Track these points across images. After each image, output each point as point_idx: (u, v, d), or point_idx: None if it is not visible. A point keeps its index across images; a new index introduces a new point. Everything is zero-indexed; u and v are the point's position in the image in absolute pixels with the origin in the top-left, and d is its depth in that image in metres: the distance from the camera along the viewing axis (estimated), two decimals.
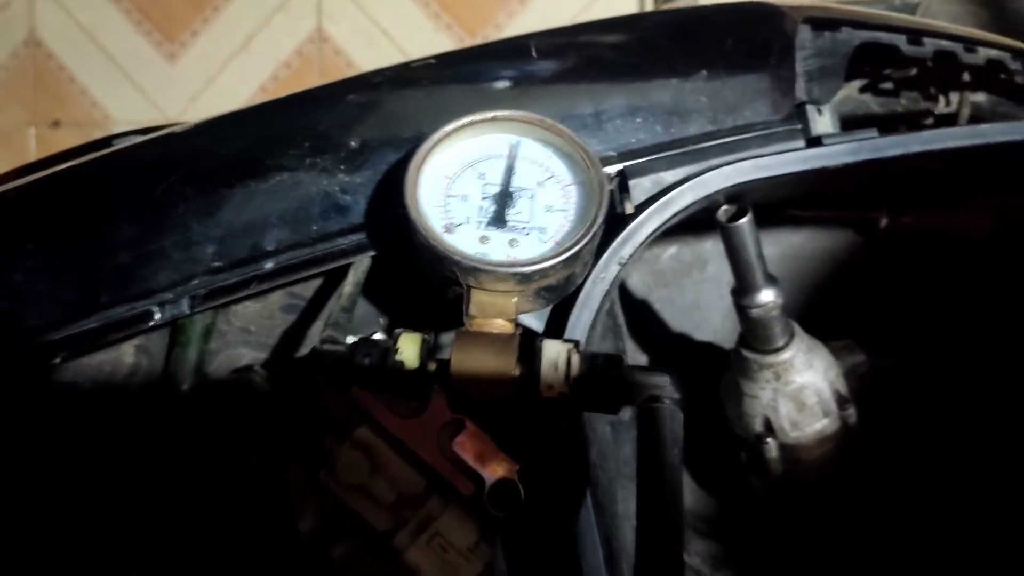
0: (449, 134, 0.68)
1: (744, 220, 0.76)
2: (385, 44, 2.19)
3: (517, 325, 0.66)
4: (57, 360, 0.75)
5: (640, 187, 0.74)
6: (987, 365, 0.94)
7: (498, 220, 0.67)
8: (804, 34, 0.80)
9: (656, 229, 0.71)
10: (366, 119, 0.76)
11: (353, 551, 0.65)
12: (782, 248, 1.01)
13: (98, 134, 1.14)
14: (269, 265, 0.74)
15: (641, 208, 0.72)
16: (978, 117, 0.96)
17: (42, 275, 0.73)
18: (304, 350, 0.84)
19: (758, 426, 0.86)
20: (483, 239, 0.66)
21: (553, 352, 0.62)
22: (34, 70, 2.28)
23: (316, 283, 0.84)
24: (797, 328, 0.85)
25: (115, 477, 0.78)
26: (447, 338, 0.79)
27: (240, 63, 2.23)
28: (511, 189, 0.68)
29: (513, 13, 2.19)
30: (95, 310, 0.73)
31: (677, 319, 1.02)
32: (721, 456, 0.93)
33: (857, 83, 0.96)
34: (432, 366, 0.63)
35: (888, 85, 0.96)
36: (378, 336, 0.66)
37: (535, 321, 0.73)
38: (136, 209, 0.74)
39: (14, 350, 0.73)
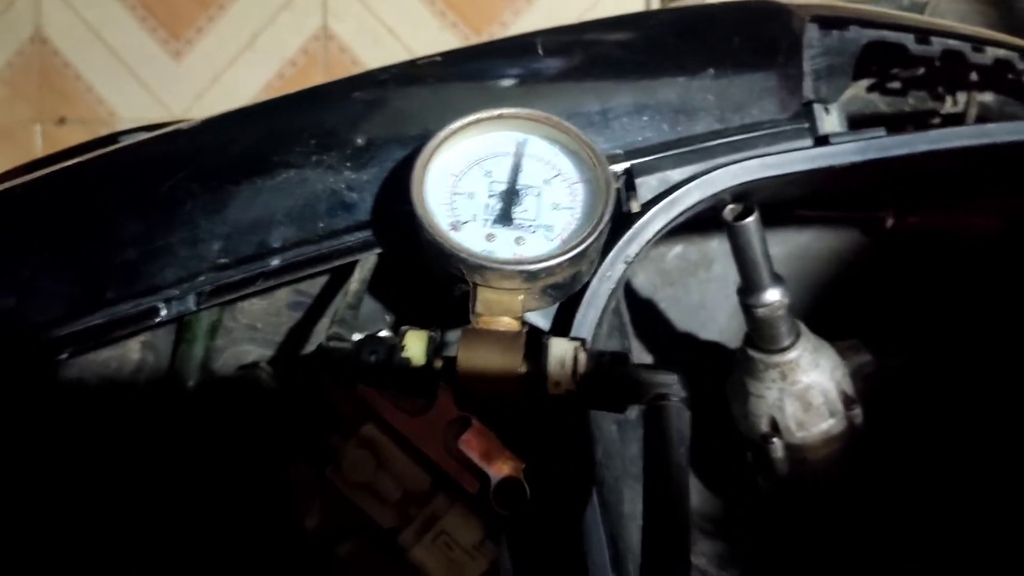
0: (456, 131, 0.68)
1: (750, 219, 0.76)
2: (391, 42, 2.19)
3: (523, 323, 0.65)
4: (63, 356, 0.75)
5: (647, 185, 0.74)
6: (993, 365, 0.94)
7: (504, 218, 0.67)
8: (812, 32, 0.80)
9: (663, 227, 0.70)
10: (372, 116, 0.76)
11: (358, 548, 0.65)
12: (788, 247, 1.01)
13: (103, 131, 1.14)
14: (275, 262, 0.74)
15: (648, 206, 0.71)
16: (985, 117, 0.96)
17: (48, 271, 0.73)
18: (310, 347, 0.84)
19: (764, 426, 0.86)
20: (489, 237, 0.66)
21: (560, 350, 0.62)
22: (40, 67, 2.28)
23: (322, 280, 0.84)
24: (803, 328, 0.85)
25: (119, 474, 0.78)
26: (453, 336, 0.79)
27: (246, 61, 2.23)
28: (517, 187, 0.68)
29: (519, 11, 2.18)
30: (101, 306, 0.73)
31: (683, 318, 1.02)
32: (727, 456, 0.93)
33: (864, 82, 0.96)
34: (438, 363, 0.63)
35: (895, 84, 0.96)
36: (384, 333, 0.66)
37: (541, 319, 0.73)
38: (142, 206, 0.74)
39: (20, 346, 0.73)
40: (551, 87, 0.78)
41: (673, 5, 1.57)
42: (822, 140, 0.77)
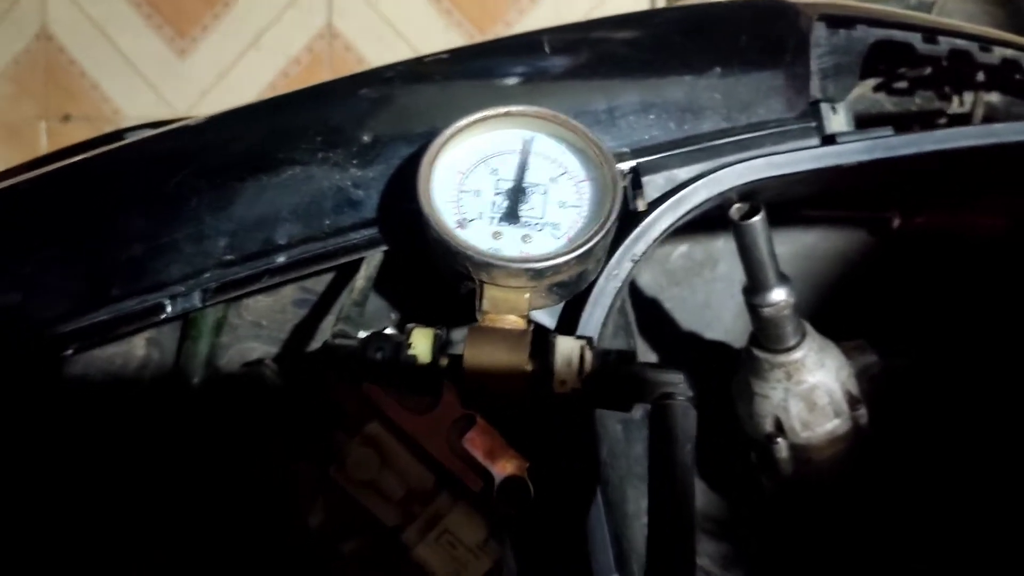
0: (462, 129, 0.68)
1: (757, 218, 0.76)
2: (396, 41, 2.19)
3: (529, 321, 0.65)
4: (68, 352, 0.75)
5: (653, 184, 0.74)
6: (999, 366, 0.94)
7: (511, 216, 0.67)
8: (819, 31, 0.80)
9: (669, 226, 0.70)
10: (379, 114, 0.76)
11: (362, 547, 0.65)
12: (794, 247, 1.01)
13: (108, 129, 1.14)
14: (281, 259, 0.74)
15: (654, 205, 0.71)
16: (992, 117, 0.95)
17: (54, 267, 0.73)
18: (315, 344, 0.84)
19: (769, 426, 0.86)
20: (496, 235, 0.66)
21: (566, 348, 0.61)
22: (45, 64, 2.28)
23: (328, 277, 0.84)
24: (809, 328, 0.85)
25: (123, 471, 0.78)
26: (458, 334, 0.79)
27: (250, 59, 2.23)
28: (524, 185, 0.68)
29: (524, 10, 2.18)
30: (106, 303, 0.73)
31: (688, 318, 1.02)
32: (731, 456, 0.93)
33: (871, 82, 0.96)
34: (444, 361, 0.63)
35: (902, 84, 0.95)
36: (389, 331, 0.65)
37: (547, 318, 0.73)
38: (148, 202, 0.74)
39: (25, 342, 0.73)
40: (558, 85, 0.77)
41: (679, 3, 1.56)
42: (829, 139, 0.77)
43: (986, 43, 0.83)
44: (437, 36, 2.17)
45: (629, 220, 0.71)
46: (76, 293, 0.73)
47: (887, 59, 0.85)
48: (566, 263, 0.64)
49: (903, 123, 0.92)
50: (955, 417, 0.94)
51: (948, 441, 0.94)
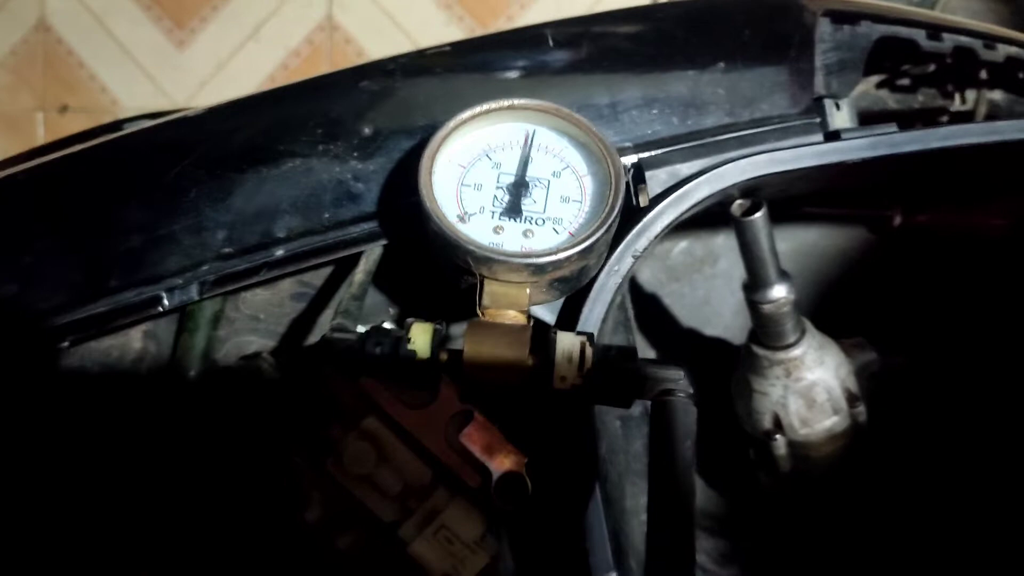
0: (464, 122, 0.67)
1: (758, 215, 0.76)
2: (396, 34, 2.18)
3: (529, 317, 0.65)
4: (65, 344, 0.74)
5: (656, 179, 0.74)
6: (997, 365, 0.94)
7: (513, 210, 0.66)
8: (824, 27, 0.79)
9: (671, 222, 0.70)
10: (379, 106, 0.75)
11: (358, 541, 0.64)
12: (795, 244, 1.01)
13: (106, 120, 1.14)
14: (280, 252, 0.73)
15: (656, 200, 0.71)
16: (994, 115, 0.95)
17: (51, 258, 0.73)
18: (313, 339, 0.84)
19: (767, 423, 0.85)
20: (497, 229, 0.66)
21: (567, 344, 0.61)
22: (43, 55, 2.27)
23: (326, 271, 0.83)
24: (808, 325, 0.85)
25: (119, 463, 0.77)
26: (458, 329, 0.78)
27: (249, 51, 2.22)
28: (526, 179, 0.67)
29: (525, 5, 2.18)
30: (104, 294, 0.72)
31: (687, 314, 1.02)
32: (729, 453, 0.93)
33: (874, 78, 0.96)
34: (443, 356, 0.62)
35: (905, 81, 0.95)
36: (388, 325, 0.65)
37: (547, 313, 0.73)
38: (146, 193, 0.74)
39: (22, 333, 0.72)
40: (560, 79, 0.77)
41: None
42: (832, 135, 0.76)
43: (990, 40, 0.83)
44: (438, 30, 2.16)
45: (631, 215, 0.70)
46: (73, 284, 0.73)
47: (891, 56, 0.85)
48: (568, 258, 0.63)
49: (906, 120, 0.92)
50: (954, 416, 0.94)
51: (947, 439, 0.94)
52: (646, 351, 1.00)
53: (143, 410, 0.79)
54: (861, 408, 0.85)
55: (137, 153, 0.78)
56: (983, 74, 0.91)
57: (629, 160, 0.74)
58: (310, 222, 0.73)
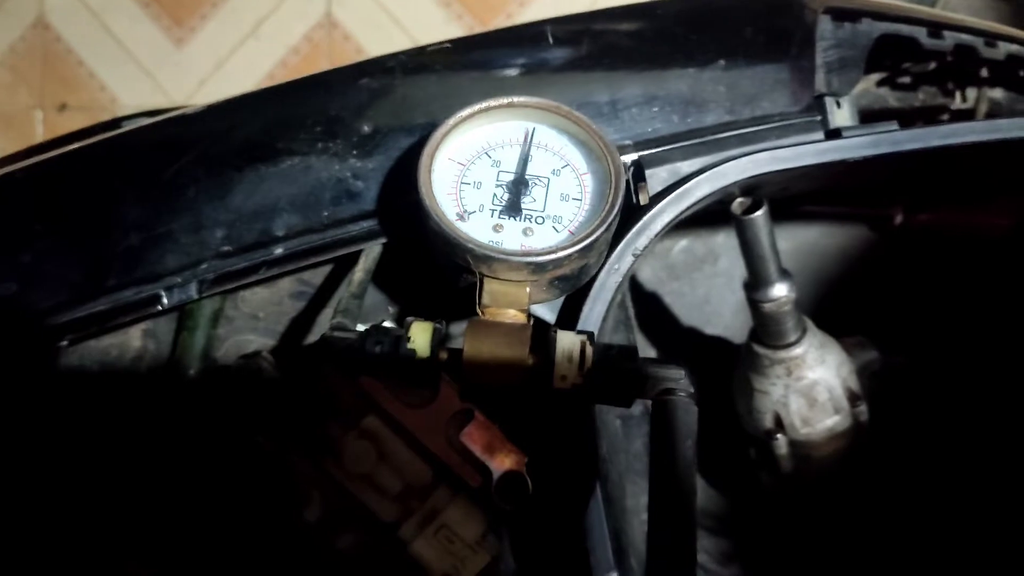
0: (464, 120, 0.67)
1: (759, 213, 0.75)
2: (395, 31, 2.18)
3: (529, 316, 0.65)
4: (64, 343, 0.74)
5: (656, 177, 0.73)
6: (998, 364, 0.94)
7: (512, 208, 0.66)
8: (824, 25, 0.79)
9: (672, 220, 0.70)
10: (379, 104, 0.75)
11: (358, 541, 0.64)
12: (796, 242, 1.01)
13: (105, 118, 1.13)
14: (279, 250, 0.73)
15: (657, 199, 0.71)
16: (995, 113, 0.95)
17: (50, 256, 0.72)
18: (312, 337, 0.83)
19: (768, 422, 0.85)
20: (497, 227, 0.65)
21: (567, 343, 0.61)
22: (42, 53, 2.27)
23: (326, 270, 0.83)
24: (809, 324, 0.85)
25: (118, 462, 0.77)
26: (457, 328, 0.78)
27: (249, 48, 2.22)
28: (526, 177, 0.67)
29: (525, 2, 2.17)
30: (103, 293, 0.72)
31: (688, 313, 1.02)
32: (730, 452, 0.93)
33: (875, 76, 0.95)
34: (443, 355, 0.62)
35: (906, 79, 0.95)
36: (388, 324, 0.65)
37: (547, 312, 0.72)
38: (145, 191, 0.74)
39: (21, 332, 0.72)
40: (560, 76, 0.77)
41: None
42: (833, 133, 0.76)
43: (991, 38, 0.83)
44: (437, 28, 2.16)
45: (631, 214, 0.70)
46: (72, 283, 0.72)
47: (892, 53, 0.84)
48: (568, 257, 0.63)
49: (907, 118, 0.92)
50: (955, 415, 0.94)
51: (948, 438, 0.94)
52: (647, 350, 0.99)
53: (142, 409, 0.79)
54: (863, 407, 0.85)
55: (136, 151, 0.77)
56: (984, 72, 0.91)
57: (629, 158, 0.73)
58: (309, 220, 0.73)
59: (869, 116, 0.84)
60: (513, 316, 0.64)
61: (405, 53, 0.77)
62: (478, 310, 0.64)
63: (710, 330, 1.02)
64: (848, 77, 0.79)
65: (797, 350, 0.83)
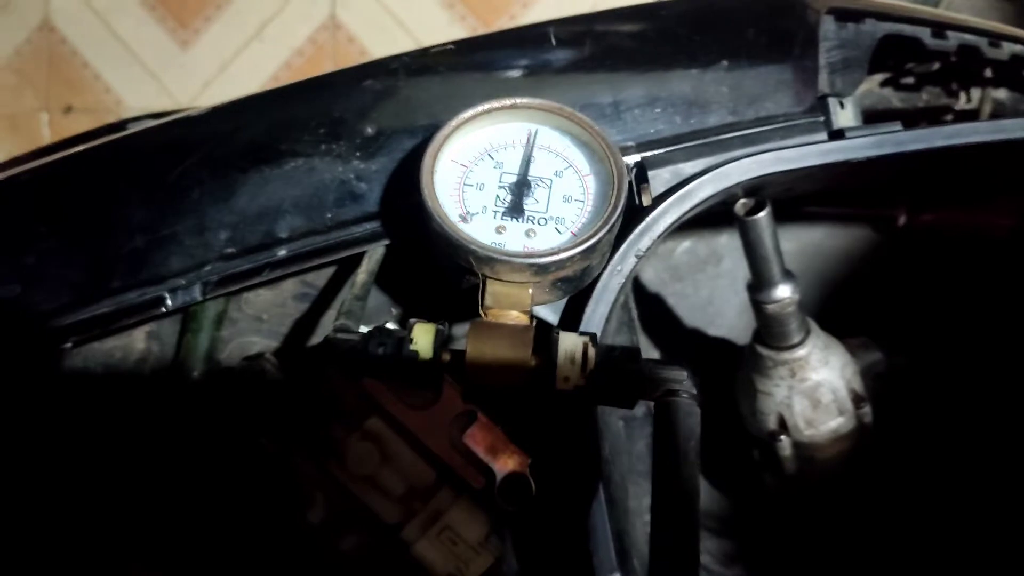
0: (466, 121, 0.67)
1: (763, 214, 0.75)
2: (399, 33, 2.18)
3: (532, 317, 0.65)
4: (68, 345, 0.74)
5: (659, 178, 0.73)
6: (1005, 366, 0.93)
7: (515, 210, 0.66)
8: (828, 25, 0.79)
9: (675, 221, 0.70)
10: (382, 105, 0.75)
11: (362, 543, 0.64)
12: (799, 244, 1.00)
13: (110, 120, 1.13)
14: (282, 252, 0.73)
15: (660, 199, 0.71)
16: (999, 114, 0.95)
17: (54, 258, 0.73)
18: (315, 339, 0.84)
19: (772, 423, 0.85)
20: (499, 229, 0.65)
21: (570, 344, 0.61)
22: (48, 56, 2.28)
23: (329, 271, 0.83)
24: (813, 325, 0.85)
25: (122, 464, 0.77)
26: (460, 330, 0.78)
27: (253, 51, 2.22)
28: (528, 178, 0.67)
29: (528, 4, 2.17)
30: (107, 295, 0.72)
31: (691, 314, 1.02)
32: (734, 453, 0.93)
33: (878, 77, 0.95)
34: (446, 357, 0.62)
35: (910, 79, 0.95)
36: (390, 326, 0.65)
37: (550, 313, 0.72)
38: (150, 193, 0.74)
39: (26, 334, 0.72)
40: (563, 77, 0.77)
41: None
42: (837, 134, 0.76)
43: (995, 38, 0.83)
44: (441, 30, 2.16)
45: (634, 215, 0.70)
46: (76, 285, 0.72)
47: (895, 54, 0.84)
48: (570, 258, 0.63)
49: (910, 119, 0.92)
50: (959, 416, 0.94)
51: (952, 440, 0.93)
52: (650, 351, 0.99)
53: (146, 411, 0.79)
54: (867, 409, 0.85)
55: (140, 153, 0.78)
56: (988, 72, 0.91)
57: (632, 159, 0.73)
58: (313, 222, 0.73)
59: (873, 117, 0.84)
60: (516, 318, 0.64)
61: (408, 55, 0.77)
62: (481, 312, 0.64)
63: (713, 331, 1.02)
64: (851, 78, 0.79)
65: (801, 351, 0.83)
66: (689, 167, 0.74)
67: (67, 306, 0.72)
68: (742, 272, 0.82)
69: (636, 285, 0.99)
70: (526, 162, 0.68)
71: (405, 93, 0.76)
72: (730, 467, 0.95)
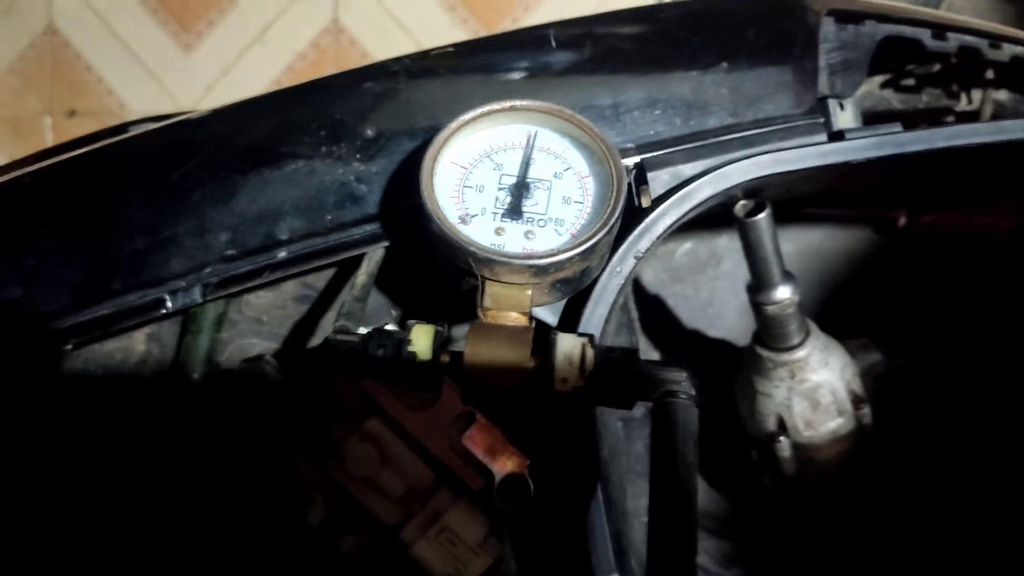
0: (466, 123, 0.67)
1: (762, 215, 0.75)
2: (401, 36, 2.18)
3: (531, 318, 0.65)
4: (68, 347, 0.74)
5: (658, 180, 0.73)
6: (1005, 367, 0.93)
7: (514, 211, 0.66)
8: (827, 27, 0.79)
9: (674, 223, 0.70)
10: (382, 108, 0.75)
11: (361, 544, 0.64)
12: (799, 245, 1.00)
13: (114, 123, 1.14)
14: (283, 254, 0.73)
15: (659, 201, 0.71)
16: (1000, 115, 0.95)
17: (55, 260, 0.73)
18: (316, 341, 0.84)
19: (771, 424, 0.85)
20: (499, 230, 0.65)
21: (568, 345, 0.61)
22: (51, 59, 2.28)
23: (329, 273, 0.83)
24: (813, 326, 0.85)
25: (122, 466, 0.77)
26: (459, 331, 0.78)
27: (256, 54, 2.23)
28: (528, 180, 0.67)
29: (530, 7, 2.18)
30: (107, 297, 0.72)
31: (691, 315, 1.02)
32: (733, 454, 0.93)
33: (878, 78, 0.95)
34: (445, 358, 0.62)
35: (910, 81, 0.95)
36: (391, 327, 0.65)
37: (549, 315, 0.72)
38: (151, 195, 0.74)
39: (25, 336, 0.72)
40: (563, 80, 0.77)
41: None
42: (837, 135, 0.76)
43: (995, 40, 0.83)
44: (442, 32, 2.16)
45: (633, 216, 0.70)
46: (76, 287, 0.73)
47: (896, 55, 0.84)
48: (569, 259, 0.63)
49: (911, 120, 0.92)
50: (959, 417, 0.94)
51: (952, 441, 0.93)
52: (649, 352, 0.99)
53: (146, 412, 0.80)
54: (866, 410, 0.85)
55: (140, 155, 0.78)
56: (988, 74, 0.91)
57: (631, 161, 0.74)
58: (313, 224, 0.73)
59: (873, 118, 0.84)
60: (515, 319, 0.64)
61: (409, 57, 0.77)
62: (480, 313, 0.64)
63: (713, 333, 1.02)
64: (851, 79, 0.79)
65: (800, 353, 0.83)
66: (689, 169, 0.74)
67: (67, 308, 0.72)
68: (742, 273, 0.82)
69: (636, 286, 1.00)
70: (526, 164, 0.68)
71: (405, 95, 0.76)
72: (729, 468, 0.95)
